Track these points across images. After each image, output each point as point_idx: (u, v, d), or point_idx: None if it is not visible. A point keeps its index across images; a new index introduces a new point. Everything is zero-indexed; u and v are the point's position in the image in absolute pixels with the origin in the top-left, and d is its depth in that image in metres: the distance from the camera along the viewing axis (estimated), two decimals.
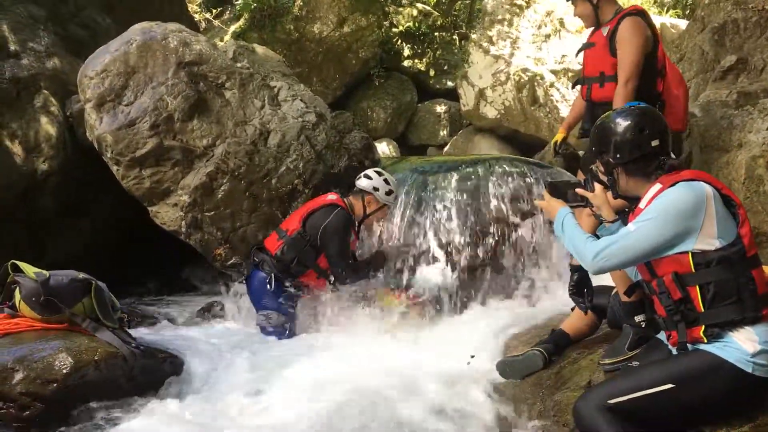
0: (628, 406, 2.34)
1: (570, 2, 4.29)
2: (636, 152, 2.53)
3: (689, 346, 2.41)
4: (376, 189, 4.72)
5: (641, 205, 2.51)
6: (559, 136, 4.65)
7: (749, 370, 2.29)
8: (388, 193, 4.76)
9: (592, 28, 4.27)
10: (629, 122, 2.54)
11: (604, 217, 2.74)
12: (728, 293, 2.35)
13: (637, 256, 2.43)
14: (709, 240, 2.36)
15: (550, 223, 4.20)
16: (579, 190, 2.80)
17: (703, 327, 2.37)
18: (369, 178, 4.75)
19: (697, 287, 2.37)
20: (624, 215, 2.78)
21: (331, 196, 4.76)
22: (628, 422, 2.33)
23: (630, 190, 2.61)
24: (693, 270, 2.37)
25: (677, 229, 2.36)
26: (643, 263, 2.51)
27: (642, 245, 2.40)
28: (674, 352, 2.49)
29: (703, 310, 2.37)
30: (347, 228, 4.66)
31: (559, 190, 2.84)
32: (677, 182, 2.42)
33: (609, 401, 2.36)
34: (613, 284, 3.21)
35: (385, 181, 4.76)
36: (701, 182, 2.42)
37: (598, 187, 2.72)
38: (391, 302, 4.63)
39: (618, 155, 2.55)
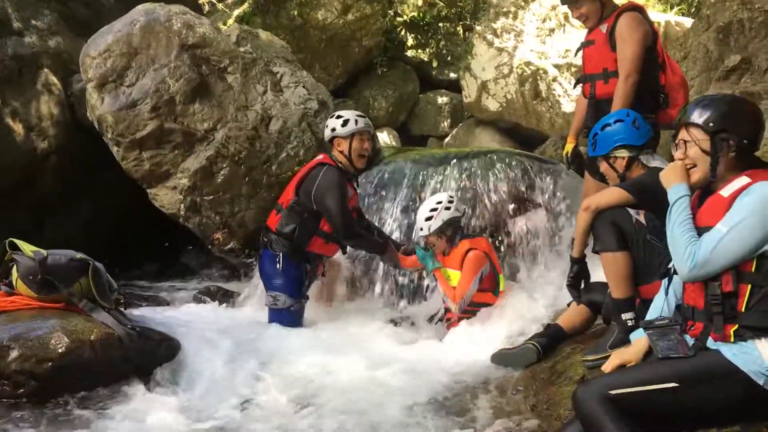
0: (629, 399, 2.29)
1: (570, 4, 4.21)
2: (755, 144, 2.43)
3: (711, 340, 2.35)
4: (333, 130, 4.57)
5: (724, 193, 2.39)
6: (569, 147, 4.56)
7: (761, 382, 2.23)
8: (344, 123, 4.54)
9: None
10: (759, 115, 2.45)
11: None
12: None
13: (734, 261, 2.29)
14: None
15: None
16: None
17: (736, 326, 2.29)
18: (326, 128, 4.66)
19: (749, 286, 2.28)
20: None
21: (318, 157, 4.64)
22: (628, 414, 2.29)
23: (722, 177, 2.46)
24: (753, 270, 2.29)
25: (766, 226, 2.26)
26: None
27: (738, 250, 2.27)
28: (690, 342, 2.42)
29: (743, 310, 2.29)
30: (341, 183, 4.47)
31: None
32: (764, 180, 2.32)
33: (611, 392, 2.31)
34: None
35: (337, 117, 4.61)
36: None
37: None
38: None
39: (745, 141, 2.40)
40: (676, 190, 2.48)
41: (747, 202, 2.30)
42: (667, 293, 2.59)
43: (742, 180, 2.37)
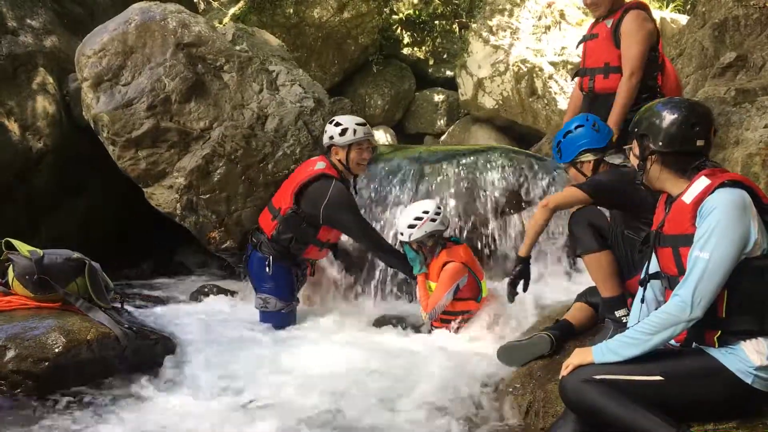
0: (614, 384, 2.30)
1: None
2: (678, 146, 2.41)
3: (694, 344, 2.36)
4: (332, 138, 4.44)
5: (686, 198, 2.36)
6: None
7: (749, 381, 2.24)
8: (342, 132, 4.39)
9: (593, 20, 4.30)
10: (681, 114, 2.41)
11: None
12: (754, 303, 2.26)
13: (725, 280, 2.24)
14: (756, 247, 2.25)
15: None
16: None
17: (719, 332, 2.29)
18: (324, 133, 4.53)
19: (726, 292, 2.26)
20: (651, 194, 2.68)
21: (320, 164, 4.43)
22: (614, 391, 2.30)
23: (659, 181, 2.50)
24: None
25: (743, 234, 2.23)
26: (672, 257, 2.41)
27: (726, 271, 2.23)
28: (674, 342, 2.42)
29: (723, 316, 2.28)
30: (351, 197, 4.41)
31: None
32: (723, 182, 2.30)
33: (595, 376, 2.33)
34: None
35: (335, 124, 4.45)
36: (740, 190, 2.30)
37: None
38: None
39: (660, 143, 2.42)
40: (597, 352, 2.40)
41: (715, 220, 2.25)
42: (643, 301, 2.59)
43: (702, 182, 2.35)
